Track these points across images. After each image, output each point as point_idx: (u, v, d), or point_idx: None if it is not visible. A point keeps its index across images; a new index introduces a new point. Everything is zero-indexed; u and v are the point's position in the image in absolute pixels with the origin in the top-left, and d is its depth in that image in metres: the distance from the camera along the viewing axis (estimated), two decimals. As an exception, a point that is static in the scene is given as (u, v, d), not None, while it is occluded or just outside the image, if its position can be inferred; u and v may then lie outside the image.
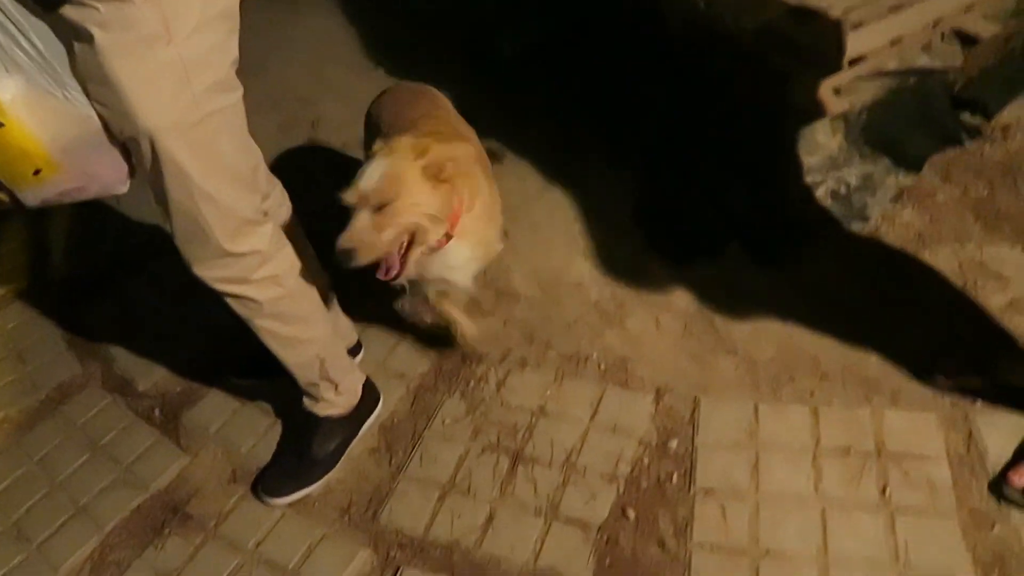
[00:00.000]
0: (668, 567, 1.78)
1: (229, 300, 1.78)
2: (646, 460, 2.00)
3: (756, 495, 1.86)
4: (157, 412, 2.41)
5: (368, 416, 2.17)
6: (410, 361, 2.38)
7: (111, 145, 1.51)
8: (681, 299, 2.39)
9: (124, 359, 2.60)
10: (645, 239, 2.60)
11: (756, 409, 2.03)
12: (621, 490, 1.94)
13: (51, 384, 2.57)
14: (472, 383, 2.28)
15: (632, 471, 1.98)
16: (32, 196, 1.50)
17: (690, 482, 1.92)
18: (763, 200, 2.49)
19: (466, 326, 2.23)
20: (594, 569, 1.80)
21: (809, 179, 2.50)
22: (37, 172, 1.44)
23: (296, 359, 1.93)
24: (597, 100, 3.10)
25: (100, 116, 1.46)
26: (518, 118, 3.15)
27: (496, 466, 2.05)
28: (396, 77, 3.45)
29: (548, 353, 2.33)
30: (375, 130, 2.13)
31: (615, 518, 1.89)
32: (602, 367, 2.26)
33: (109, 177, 1.54)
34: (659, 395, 2.14)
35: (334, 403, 2.07)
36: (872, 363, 2.07)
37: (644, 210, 2.67)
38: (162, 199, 1.58)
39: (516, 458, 2.06)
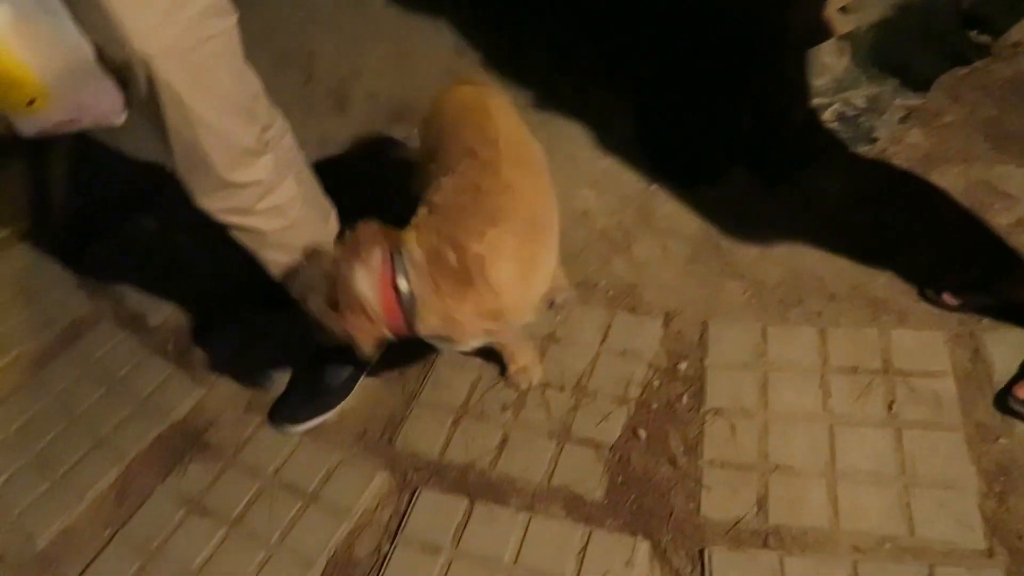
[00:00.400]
0: (679, 483, 1.83)
1: (234, 232, 1.78)
2: (656, 383, 2.03)
3: (765, 413, 1.90)
4: (170, 346, 2.44)
5: (380, 345, 2.19)
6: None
7: (104, 75, 1.48)
8: (688, 225, 2.39)
9: (134, 295, 2.62)
10: (649, 165, 2.58)
11: (764, 331, 2.05)
12: (632, 412, 1.98)
13: (63, 322, 2.59)
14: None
15: (642, 393, 2.01)
16: (28, 126, 1.48)
17: (700, 402, 1.96)
18: (768, 122, 2.47)
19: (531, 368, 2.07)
20: (607, 486, 1.85)
21: (815, 101, 2.47)
22: (31, 102, 1.41)
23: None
24: (596, 27, 3.03)
25: (93, 43, 1.42)
26: (516, 47, 3.10)
27: (507, 391, 2.08)
28: (392, 9, 3.37)
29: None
30: (426, 150, 1.91)
31: (627, 438, 1.93)
32: (610, 293, 2.27)
33: (103, 107, 1.51)
34: (668, 319, 2.16)
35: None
36: (880, 283, 2.08)
37: (647, 136, 2.65)
38: (160, 129, 1.56)
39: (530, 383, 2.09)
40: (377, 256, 1.54)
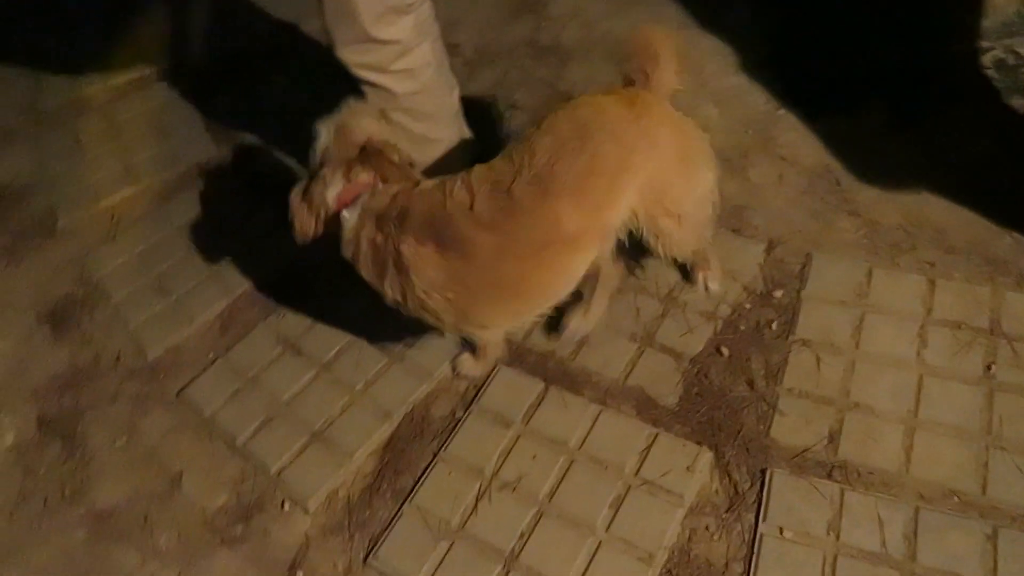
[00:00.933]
0: (753, 404, 1.84)
1: (366, 88, 1.83)
2: (748, 305, 2.02)
3: (854, 352, 1.87)
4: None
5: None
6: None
7: None
8: (809, 156, 2.31)
9: (256, 148, 2.73)
10: (781, 87, 2.48)
11: (870, 272, 2.00)
12: (718, 329, 1.98)
13: (189, 161, 2.74)
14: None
15: (732, 313, 2.01)
16: None
17: (788, 331, 1.94)
18: (918, 57, 2.32)
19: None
20: (680, 395, 1.88)
21: (976, 43, 2.30)
22: None
23: (426, 158, 2.00)
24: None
25: None
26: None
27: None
28: None
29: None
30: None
31: (708, 353, 1.94)
32: (718, 213, 2.23)
33: None
34: (771, 246, 2.12)
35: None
36: (1004, 244, 1.98)
37: (784, 55, 2.54)
38: None
39: (620, 287, 2.11)
40: (362, 180, 1.69)
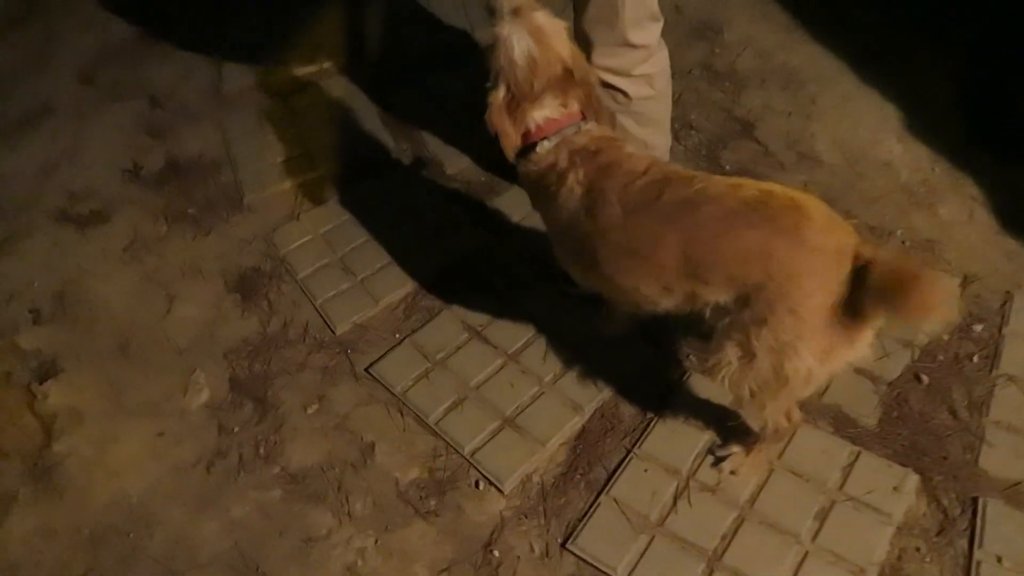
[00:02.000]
0: (958, 433, 1.84)
1: (605, 92, 1.90)
2: (945, 336, 2.02)
3: (1064, 392, 1.85)
4: (464, 192, 2.64)
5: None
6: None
7: None
8: (1001, 197, 2.32)
9: (433, 143, 2.84)
10: (968, 130, 2.50)
11: (1075, 315, 1.99)
12: (915, 357, 1.99)
13: (368, 151, 2.86)
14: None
15: (929, 343, 2.01)
16: None
17: (992, 365, 1.94)
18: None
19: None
20: (880, 416, 1.89)
21: None
22: None
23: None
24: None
25: None
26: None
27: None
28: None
29: (849, 220, 2.34)
30: None
31: (906, 379, 1.95)
32: (907, 244, 2.26)
33: None
34: (966, 281, 2.13)
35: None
36: None
37: (972, 98, 2.55)
38: None
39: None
40: (575, 111, 1.69)
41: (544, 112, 1.69)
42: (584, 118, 1.72)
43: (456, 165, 2.75)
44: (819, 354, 1.46)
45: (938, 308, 1.32)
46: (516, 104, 1.68)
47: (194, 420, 2.17)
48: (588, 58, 1.84)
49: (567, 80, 1.67)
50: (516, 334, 2.21)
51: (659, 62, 1.91)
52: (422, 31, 3.29)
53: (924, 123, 2.56)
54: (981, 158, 2.42)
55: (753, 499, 1.78)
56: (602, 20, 1.76)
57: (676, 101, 2.83)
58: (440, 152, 2.80)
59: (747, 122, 2.71)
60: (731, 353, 1.54)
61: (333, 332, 2.31)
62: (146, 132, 3.10)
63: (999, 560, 1.61)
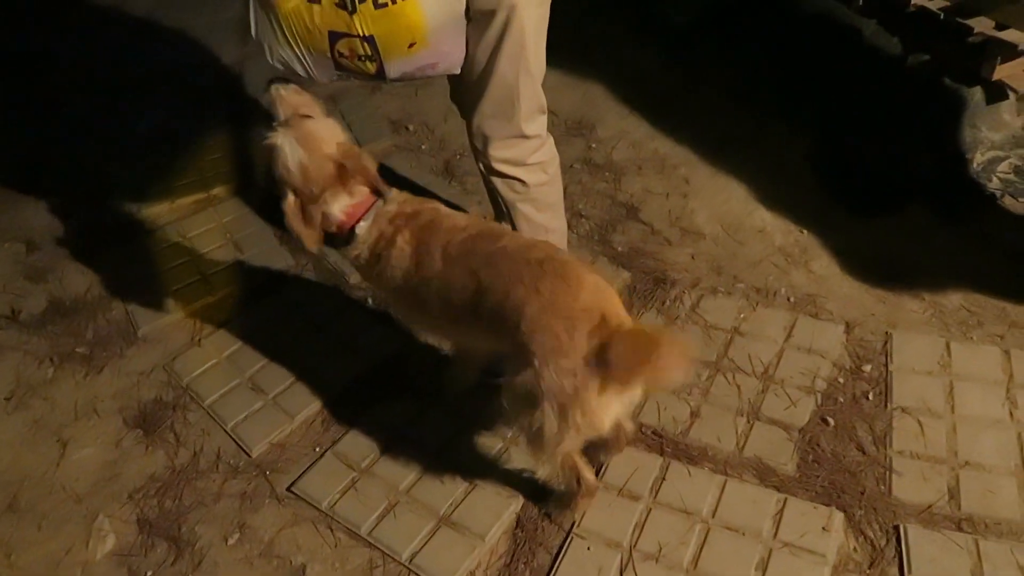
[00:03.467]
0: (869, 467, 1.95)
1: (500, 183, 2.01)
2: (841, 379, 2.17)
3: (952, 416, 2.01)
4: (371, 301, 2.65)
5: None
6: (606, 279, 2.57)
7: (462, 26, 1.75)
8: (865, 246, 2.55)
9: (333, 255, 2.85)
10: (824, 192, 2.76)
11: (948, 345, 2.18)
12: (819, 402, 2.11)
13: (268, 270, 2.83)
14: (667, 303, 2.47)
15: (827, 387, 2.15)
16: (396, 69, 1.75)
17: (886, 400, 2.08)
18: (947, 166, 2.63)
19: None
20: (797, 462, 1.98)
21: (992, 153, 2.63)
22: (411, 45, 1.68)
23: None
24: (771, 62, 3.25)
25: None
26: (689, 78, 3.35)
27: (697, 373, 2.23)
28: (562, 55, 3.66)
29: (736, 284, 2.51)
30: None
31: (815, 423, 2.06)
32: (791, 300, 2.43)
33: (455, 57, 1.80)
34: (849, 328, 2.31)
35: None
36: (1062, 316, 2.20)
37: (823, 166, 2.84)
38: (486, 75, 1.83)
39: (717, 367, 2.24)
40: (366, 194, 1.88)
41: (337, 205, 1.86)
42: (380, 194, 1.88)
43: (357, 275, 2.75)
44: (560, 410, 1.60)
45: (676, 368, 1.50)
46: (306, 206, 1.85)
47: (100, 571, 2.00)
48: (485, 151, 1.95)
49: (343, 174, 1.83)
50: (441, 430, 2.19)
51: (549, 149, 2.05)
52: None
53: (787, 191, 2.82)
54: (839, 216, 2.67)
55: (696, 560, 1.80)
56: (499, 115, 1.89)
57: (564, 193, 3.00)
58: (341, 263, 2.81)
59: (631, 206, 2.89)
60: (504, 403, 1.71)
61: (249, 455, 2.22)
62: (24, 276, 2.96)
63: (930, 581, 1.69)
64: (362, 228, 1.89)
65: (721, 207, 2.81)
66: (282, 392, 2.37)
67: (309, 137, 1.81)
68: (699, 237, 2.72)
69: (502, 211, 2.35)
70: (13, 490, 2.22)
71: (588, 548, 1.86)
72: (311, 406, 2.32)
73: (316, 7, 1.68)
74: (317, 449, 2.21)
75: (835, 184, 2.77)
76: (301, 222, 1.87)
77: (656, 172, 3.01)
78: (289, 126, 1.83)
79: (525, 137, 1.93)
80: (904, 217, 2.61)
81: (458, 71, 1.85)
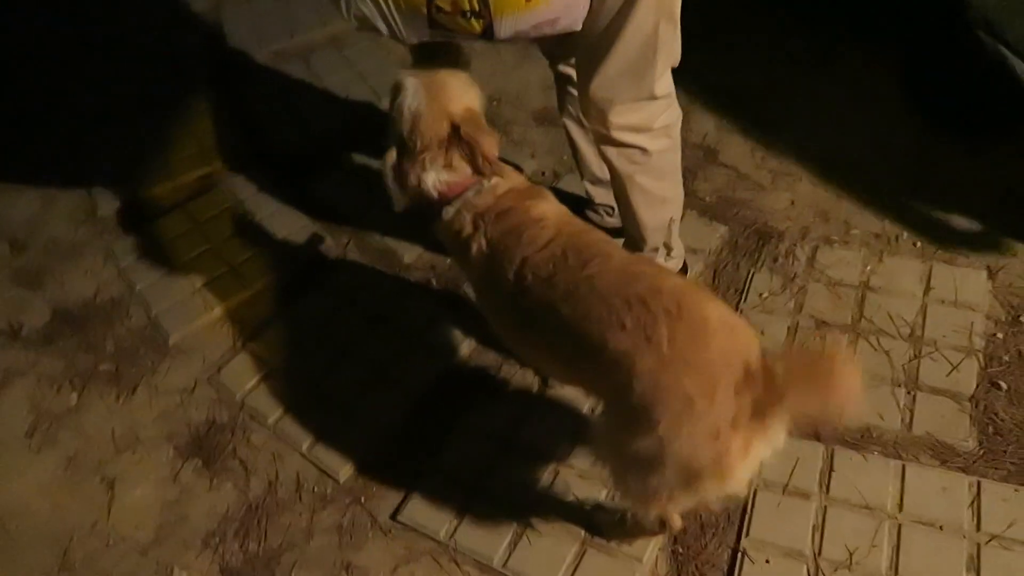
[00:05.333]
0: (1059, 435, 1.74)
1: (614, 152, 1.72)
2: (1000, 334, 1.94)
3: None
4: (433, 281, 2.33)
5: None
6: (701, 236, 2.28)
7: None
8: (980, 175, 2.31)
9: (375, 232, 2.49)
10: (927, 119, 2.48)
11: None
12: (983, 363, 1.88)
13: (304, 254, 2.47)
14: (779, 259, 2.20)
15: (988, 345, 1.92)
16: (507, 27, 1.43)
17: (1058, 353, 1.87)
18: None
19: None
20: (978, 437, 1.76)
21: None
22: None
23: (657, 220, 1.88)
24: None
25: None
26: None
27: (834, 338, 1.98)
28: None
29: (851, 231, 2.25)
30: None
31: (985, 389, 1.84)
32: (917, 245, 2.18)
33: (578, 11, 1.48)
34: (991, 272, 2.07)
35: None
36: None
37: (921, 91, 2.54)
38: (615, 27, 1.53)
39: (856, 331, 1.99)
40: (466, 175, 1.59)
41: (432, 177, 1.59)
42: (476, 173, 1.59)
43: (411, 252, 2.41)
44: (690, 479, 1.29)
45: (857, 389, 1.18)
46: (403, 163, 1.61)
47: (190, 637, 1.72)
48: (604, 118, 1.63)
49: (453, 141, 1.57)
50: (555, 433, 1.91)
51: (675, 110, 1.73)
52: (324, 111, 2.94)
53: (878, 119, 2.54)
54: (942, 145, 2.41)
55: (895, 564, 1.58)
56: (628, 74, 1.55)
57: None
58: (387, 241, 2.46)
59: (708, 147, 2.58)
60: (597, 450, 1.48)
61: (336, 480, 1.92)
62: (15, 282, 2.55)
63: None
64: (448, 213, 1.62)
65: (808, 141, 2.52)
66: (356, 402, 2.06)
67: (438, 87, 1.56)
68: (794, 178, 2.43)
69: (600, 179, 2.03)
70: (63, 546, 1.91)
71: (767, 561, 1.63)
72: (393, 416, 2.02)
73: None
74: (416, 468, 1.91)
75: (934, 107, 2.48)
76: (395, 180, 1.63)
77: (726, 107, 2.69)
78: (423, 71, 1.58)
79: (655, 98, 1.61)
80: (1019, 139, 2.35)
81: (578, 28, 1.50)
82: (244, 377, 2.16)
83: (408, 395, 2.06)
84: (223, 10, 3.43)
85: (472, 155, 1.55)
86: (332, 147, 2.79)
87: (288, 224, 2.56)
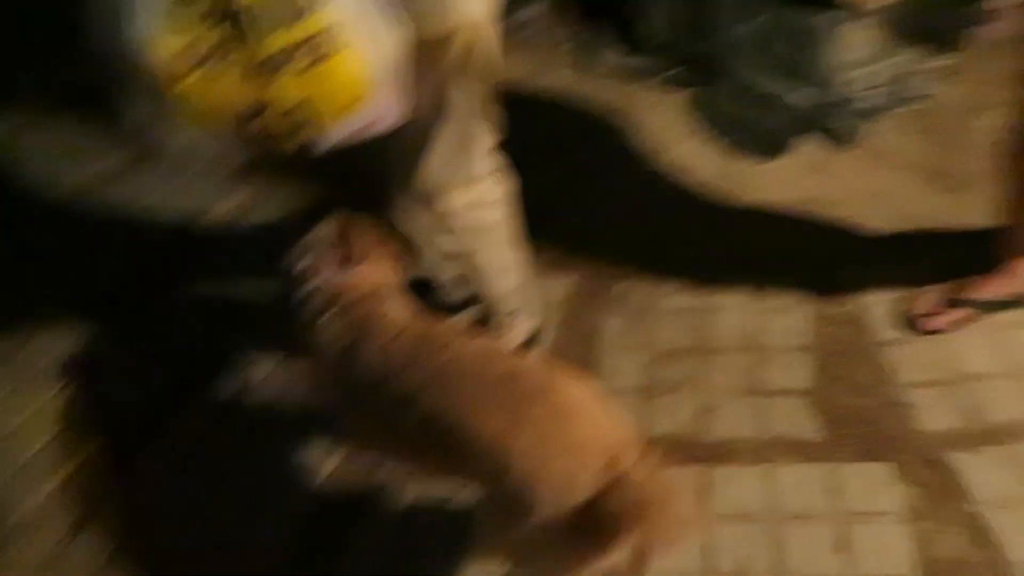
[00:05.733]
0: (887, 409, 1.96)
1: (448, 240, 1.79)
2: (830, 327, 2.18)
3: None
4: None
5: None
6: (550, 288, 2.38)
7: (406, 68, 1.45)
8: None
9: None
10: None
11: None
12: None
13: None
14: (626, 297, 2.34)
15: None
16: (333, 136, 1.40)
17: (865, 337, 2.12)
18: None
19: None
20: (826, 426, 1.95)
21: (861, 71, 2.77)
22: (350, 105, 1.35)
23: (509, 285, 1.96)
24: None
25: (415, 15, 1.37)
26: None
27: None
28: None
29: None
30: None
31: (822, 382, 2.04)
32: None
33: (396, 110, 1.48)
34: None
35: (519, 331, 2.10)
36: None
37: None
38: (438, 108, 1.57)
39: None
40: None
41: None
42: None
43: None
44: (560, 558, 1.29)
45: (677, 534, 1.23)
46: None
47: None
48: (434, 204, 1.72)
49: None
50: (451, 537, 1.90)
51: (505, 175, 1.84)
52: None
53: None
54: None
55: (779, 563, 1.72)
56: (461, 151, 1.65)
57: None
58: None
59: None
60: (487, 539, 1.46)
61: None
62: None
63: None
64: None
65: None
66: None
67: None
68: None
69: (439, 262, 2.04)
70: None
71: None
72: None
73: (223, 78, 1.32)
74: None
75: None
76: None
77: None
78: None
79: (480, 178, 1.71)
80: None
81: (396, 126, 1.55)
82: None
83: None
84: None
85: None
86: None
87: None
